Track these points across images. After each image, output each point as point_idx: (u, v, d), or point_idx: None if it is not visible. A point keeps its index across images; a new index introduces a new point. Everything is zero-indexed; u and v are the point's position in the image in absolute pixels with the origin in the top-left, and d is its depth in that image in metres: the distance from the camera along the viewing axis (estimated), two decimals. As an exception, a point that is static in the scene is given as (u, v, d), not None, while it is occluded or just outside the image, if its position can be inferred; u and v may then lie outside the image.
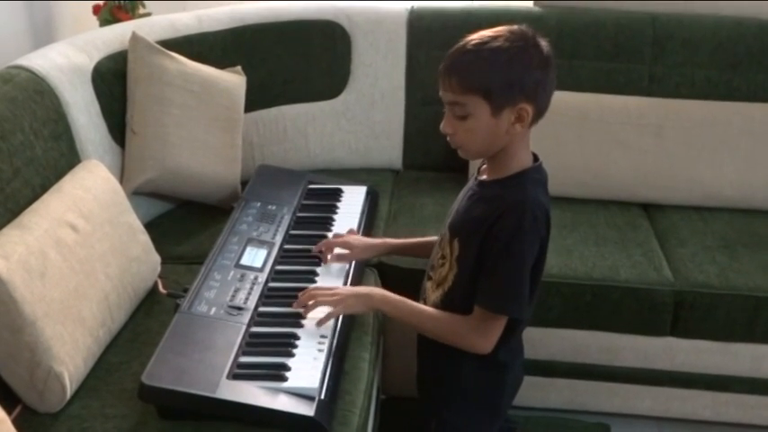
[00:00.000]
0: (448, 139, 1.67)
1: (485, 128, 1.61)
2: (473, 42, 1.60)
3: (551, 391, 2.47)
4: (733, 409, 2.44)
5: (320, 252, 2.08)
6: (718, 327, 2.32)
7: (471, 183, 1.77)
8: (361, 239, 2.09)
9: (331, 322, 1.82)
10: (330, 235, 2.17)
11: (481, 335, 1.69)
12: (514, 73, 1.57)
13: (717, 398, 2.43)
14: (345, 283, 2.00)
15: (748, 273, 2.34)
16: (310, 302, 1.81)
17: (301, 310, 1.83)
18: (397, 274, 2.27)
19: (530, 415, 2.47)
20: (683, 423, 2.49)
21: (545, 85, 1.61)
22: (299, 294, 1.84)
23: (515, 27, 1.62)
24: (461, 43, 1.62)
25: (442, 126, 1.66)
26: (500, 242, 1.62)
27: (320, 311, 1.81)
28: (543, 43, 1.61)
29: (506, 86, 1.57)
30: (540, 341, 2.34)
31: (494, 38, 1.59)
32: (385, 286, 2.14)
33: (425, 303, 1.83)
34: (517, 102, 1.58)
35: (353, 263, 2.09)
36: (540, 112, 1.63)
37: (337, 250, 2.07)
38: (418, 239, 2.04)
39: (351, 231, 2.15)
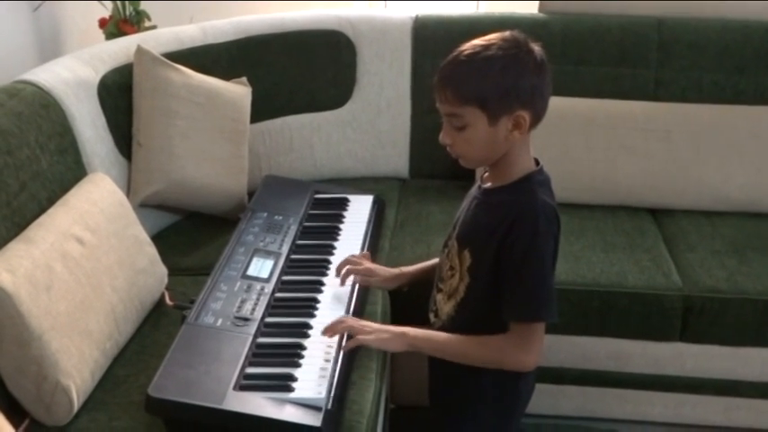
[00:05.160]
0: (448, 149, 1.67)
1: (483, 137, 1.61)
2: (466, 53, 1.60)
3: (561, 399, 2.46)
4: (744, 413, 2.42)
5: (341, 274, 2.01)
6: (727, 331, 2.31)
7: (474, 191, 1.76)
8: (382, 269, 2.03)
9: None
10: (336, 251, 2.16)
11: (525, 349, 1.67)
12: (509, 81, 1.57)
13: (728, 403, 2.42)
14: (352, 294, 1.99)
15: (758, 277, 2.33)
16: (340, 327, 1.78)
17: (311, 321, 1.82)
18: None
19: (540, 422, 2.46)
20: (695, 429, 2.47)
21: (541, 90, 1.61)
22: (330, 324, 1.80)
23: (507, 34, 1.61)
24: (454, 54, 1.62)
25: (440, 137, 1.66)
26: (519, 250, 1.62)
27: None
28: (536, 48, 1.61)
29: (502, 95, 1.57)
30: (549, 348, 2.31)
31: (486, 47, 1.59)
32: (391, 298, 2.14)
33: (437, 315, 1.82)
34: (514, 109, 1.58)
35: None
36: (537, 117, 1.63)
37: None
38: (432, 262, 1.98)
39: (365, 256, 2.09)
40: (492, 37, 1.61)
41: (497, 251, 1.64)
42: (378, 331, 1.78)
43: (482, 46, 1.59)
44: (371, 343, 1.78)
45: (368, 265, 2.03)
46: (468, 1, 3.37)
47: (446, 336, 1.76)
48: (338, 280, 2.01)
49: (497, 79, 1.57)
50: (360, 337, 1.76)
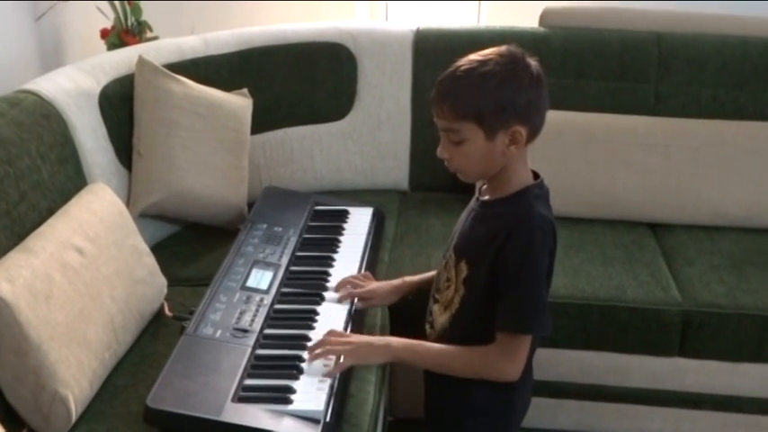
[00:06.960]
0: (446, 163, 1.67)
1: (480, 152, 1.61)
2: (463, 68, 1.60)
3: (560, 413, 2.46)
4: (743, 429, 2.41)
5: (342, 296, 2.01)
6: (726, 347, 2.31)
7: (473, 203, 1.77)
8: (382, 287, 2.03)
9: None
10: (335, 263, 2.16)
11: (509, 360, 1.67)
12: (506, 96, 1.57)
13: (726, 418, 2.41)
14: (351, 306, 1.99)
15: (756, 292, 2.33)
16: (319, 350, 1.75)
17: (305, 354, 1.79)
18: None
19: (538, 437, 2.45)
20: (693, 444, 2.47)
21: (537, 104, 1.61)
22: (310, 345, 1.79)
23: (504, 48, 1.61)
24: (451, 69, 1.62)
25: (438, 151, 1.66)
26: (512, 263, 1.62)
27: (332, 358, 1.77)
28: (533, 63, 1.61)
29: (498, 111, 1.57)
30: (548, 362, 2.33)
31: (483, 62, 1.59)
32: (390, 309, 2.14)
33: (432, 326, 1.82)
34: (510, 125, 1.59)
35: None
36: (534, 132, 1.63)
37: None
38: (435, 272, 1.96)
39: (367, 277, 2.09)
40: (489, 52, 1.61)
41: (493, 263, 1.65)
42: (359, 347, 1.76)
43: (479, 61, 1.60)
44: (352, 362, 1.75)
45: (369, 286, 2.02)
46: (470, 1, 3.35)
47: (431, 346, 1.76)
48: (337, 293, 2.01)
49: (494, 95, 1.57)
50: (341, 362, 1.74)
